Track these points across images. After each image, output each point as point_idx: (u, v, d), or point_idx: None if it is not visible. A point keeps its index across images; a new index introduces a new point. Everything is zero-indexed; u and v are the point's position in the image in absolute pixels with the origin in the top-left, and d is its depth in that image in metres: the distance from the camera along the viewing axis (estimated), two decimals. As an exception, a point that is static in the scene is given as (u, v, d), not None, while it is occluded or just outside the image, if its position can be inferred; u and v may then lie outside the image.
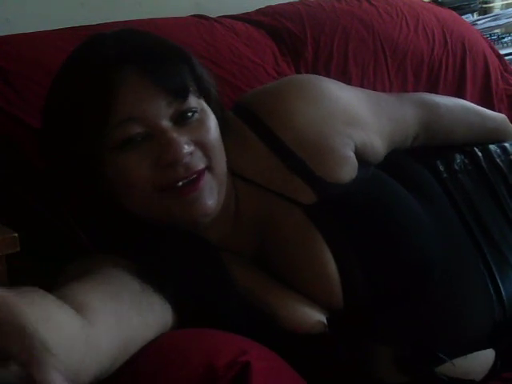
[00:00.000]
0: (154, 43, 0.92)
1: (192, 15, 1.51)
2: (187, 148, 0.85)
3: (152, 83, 0.85)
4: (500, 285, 1.02)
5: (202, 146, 0.88)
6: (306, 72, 1.48)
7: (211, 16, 1.50)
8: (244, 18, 1.54)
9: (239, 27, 1.48)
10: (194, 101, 0.89)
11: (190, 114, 0.88)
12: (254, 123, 1.00)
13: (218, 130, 0.91)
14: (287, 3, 1.66)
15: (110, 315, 0.72)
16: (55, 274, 0.95)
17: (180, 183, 0.86)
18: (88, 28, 1.32)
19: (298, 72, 1.48)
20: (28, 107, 1.13)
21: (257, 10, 1.60)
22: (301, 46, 1.50)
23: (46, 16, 1.43)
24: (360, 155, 1.02)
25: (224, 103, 1.11)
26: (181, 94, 0.87)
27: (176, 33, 1.36)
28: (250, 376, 0.71)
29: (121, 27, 1.32)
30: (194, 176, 0.87)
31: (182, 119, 0.88)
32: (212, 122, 0.91)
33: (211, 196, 0.88)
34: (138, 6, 1.58)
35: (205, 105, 0.92)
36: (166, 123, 0.86)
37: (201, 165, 0.87)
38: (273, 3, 1.65)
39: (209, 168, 0.88)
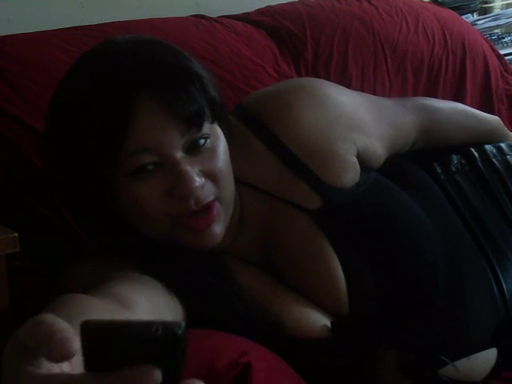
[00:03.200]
0: (172, 64, 0.87)
1: (192, 15, 1.51)
2: (199, 181, 0.84)
3: (168, 113, 0.83)
4: (502, 281, 1.02)
5: (212, 176, 0.87)
6: (306, 72, 1.48)
7: (211, 16, 1.50)
8: (244, 18, 1.54)
9: (239, 27, 1.48)
10: (207, 127, 0.87)
11: (202, 141, 0.87)
12: (260, 130, 1.00)
13: (228, 151, 0.91)
14: (287, 3, 1.66)
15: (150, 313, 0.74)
16: (55, 274, 0.95)
17: (190, 213, 0.86)
18: (88, 28, 1.32)
19: (299, 72, 1.48)
20: (28, 107, 1.13)
21: (257, 10, 1.60)
22: (301, 45, 1.50)
23: (46, 16, 1.43)
24: (362, 160, 1.02)
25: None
26: (196, 124, 0.85)
27: (176, 33, 1.36)
28: (250, 376, 0.72)
29: (121, 27, 1.33)
30: (205, 206, 0.86)
31: (194, 147, 0.86)
32: (222, 146, 0.89)
33: (219, 224, 0.88)
34: (138, 5, 1.58)
35: (217, 128, 0.90)
36: (179, 154, 0.84)
37: (211, 197, 0.87)
38: (273, 3, 1.65)
39: (218, 198, 0.88)
